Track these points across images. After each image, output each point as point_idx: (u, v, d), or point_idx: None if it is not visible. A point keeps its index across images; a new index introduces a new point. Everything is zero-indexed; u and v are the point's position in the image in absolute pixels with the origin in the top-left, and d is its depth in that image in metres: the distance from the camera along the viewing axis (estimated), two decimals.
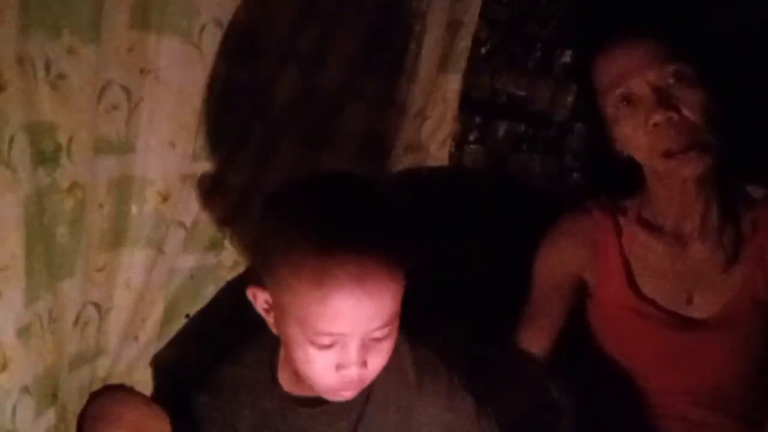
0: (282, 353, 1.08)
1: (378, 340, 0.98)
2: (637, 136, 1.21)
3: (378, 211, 0.99)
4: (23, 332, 0.89)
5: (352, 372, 0.97)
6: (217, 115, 1.10)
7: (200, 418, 1.10)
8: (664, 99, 1.17)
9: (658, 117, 1.17)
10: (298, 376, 1.04)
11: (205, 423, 1.10)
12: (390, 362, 1.02)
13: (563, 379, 1.46)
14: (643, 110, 1.19)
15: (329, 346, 0.96)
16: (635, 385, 1.30)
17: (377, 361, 1.00)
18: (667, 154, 1.18)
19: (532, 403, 1.31)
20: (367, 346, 0.97)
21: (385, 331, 0.97)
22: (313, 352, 0.97)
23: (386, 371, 1.03)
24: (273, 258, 0.97)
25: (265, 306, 1.01)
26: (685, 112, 1.17)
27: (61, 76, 0.89)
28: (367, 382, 1.01)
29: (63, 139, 0.92)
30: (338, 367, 0.97)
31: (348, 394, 1.01)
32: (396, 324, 1.00)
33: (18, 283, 0.88)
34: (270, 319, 1.02)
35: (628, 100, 1.20)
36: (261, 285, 1.00)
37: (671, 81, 1.18)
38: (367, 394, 1.06)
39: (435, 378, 1.09)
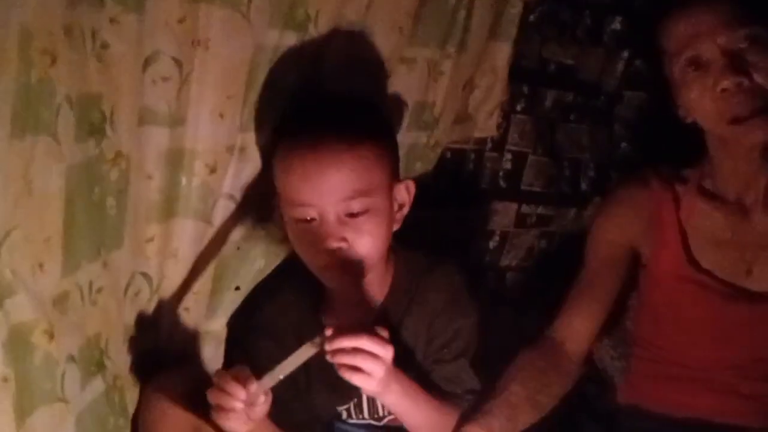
0: (323, 289, 1.13)
1: (354, 215, 1.02)
2: (703, 101, 1.14)
3: (351, 105, 1.08)
4: (59, 302, 0.87)
5: (332, 245, 1.02)
6: (265, 85, 1.06)
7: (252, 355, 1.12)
8: (734, 63, 1.10)
9: (726, 82, 1.10)
10: (339, 309, 1.12)
11: (256, 359, 1.09)
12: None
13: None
14: (712, 75, 1.12)
15: (309, 221, 1.03)
16: (684, 360, 1.24)
17: (360, 239, 1.03)
18: (735, 121, 1.12)
19: None
20: (344, 222, 1.02)
21: (357, 204, 1.02)
22: (298, 228, 1.05)
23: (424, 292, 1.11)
24: (273, 161, 1.06)
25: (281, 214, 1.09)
26: (757, 77, 1.10)
27: (104, 46, 0.86)
28: (356, 261, 1.04)
29: (107, 109, 0.89)
30: (321, 241, 1.02)
31: (339, 276, 1.05)
32: (378, 204, 1.04)
33: (59, 254, 0.85)
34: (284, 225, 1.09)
35: (697, 63, 1.14)
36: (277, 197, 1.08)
37: (743, 45, 1.11)
38: (398, 329, 1.09)
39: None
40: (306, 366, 0.97)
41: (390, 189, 1.08)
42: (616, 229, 1.29)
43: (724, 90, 1.11)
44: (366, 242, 1.04)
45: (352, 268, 1.05)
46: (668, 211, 1.26)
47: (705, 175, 1.26)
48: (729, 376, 1.21)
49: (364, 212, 1.03)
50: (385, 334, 0.96)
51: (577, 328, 1.24)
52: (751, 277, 1.20)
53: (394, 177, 1.10)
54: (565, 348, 1.23)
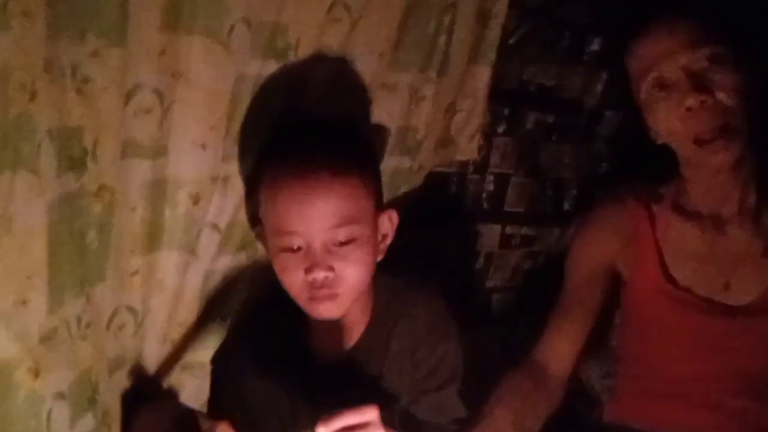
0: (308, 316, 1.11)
1: (342, 244, 1.01)
2: (670, 121, 1.17)
3: (336, 133, 1.08)
4: (47, 339, 0.86)
5: (318, 275, 1.00)
6: (247, 115, 1.05)
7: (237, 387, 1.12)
8: (697, 82, 1.13)
9: (690, 101, 1.13)
10: (322, 337, 1.11)
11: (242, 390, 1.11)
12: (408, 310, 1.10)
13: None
14: (677, 94, 1.15)
15: (295, 250, 1.02)
16: (667, 376, 1.24)
17: (347, 268, 1.03)
18: (698, 141, 1.14)
19: None
20: (332, 251, 1.02)
21: (344, 233, 1.01)
22: (283, 257, 1.03)
23: (403, 324, 1.10)
24: (257, 189, 1.06)
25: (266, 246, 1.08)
26: (719, 95, 1.13)
27: (85, 80, 0.85)
28: (341, 292, 1.03)
29: (89, 143, 0.88)
30: (306, 270, 1.01)
31: (326, 308, 1.04)
32: (363, 233, 1.03)
33: (44, 290, 0.84)
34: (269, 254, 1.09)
35: (662, 84, 1.16)
36: (260, 225, 1.09)
37: (705, 64, 1.14)
38: (382, 356, 1.10)
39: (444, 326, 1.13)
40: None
41: (375, 218, 1.08)
42: (593, 249, 1.31)
43: (688, 108, 1.13)
44: (353, 271, 1.04)
45: (333, 298, 1.04)
46: (644, 229, 1.28)
47: (680, 192, 1.27)
48: (712, 391, 1.21)
49: (351, 241, 1.03)
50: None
51: (559, 349, 1.25)
52: (729, 291, 1.21)
53: (378, 206, 1.10)
54: (549, 369, 1.24)
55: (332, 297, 1.04)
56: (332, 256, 1.02)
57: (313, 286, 1.03)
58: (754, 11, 1.23)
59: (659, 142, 1.23)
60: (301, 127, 1.10)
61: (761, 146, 1.20)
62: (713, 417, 1.21)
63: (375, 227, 1.08)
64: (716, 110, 1.13)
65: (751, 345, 1.19)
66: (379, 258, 1.11)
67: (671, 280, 1.24)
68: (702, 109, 1.13)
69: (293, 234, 1.02)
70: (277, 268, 1.06)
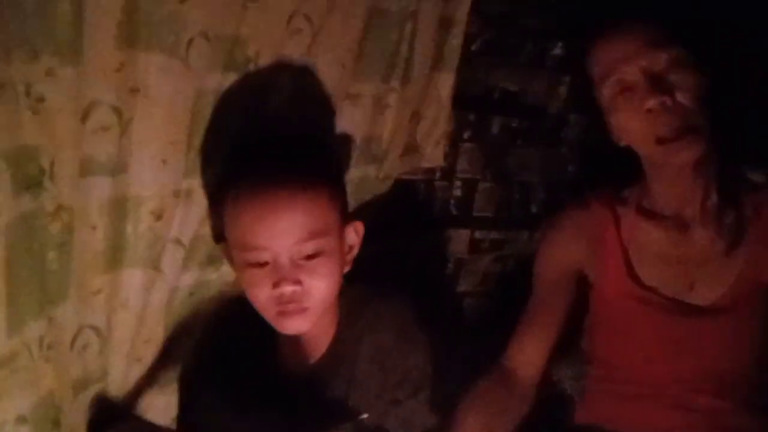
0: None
1: (309, 258, 1.01)
2: (632, 123, 1.17)
3: (300, 146, 1.08)
4: (7, 362, 0.84)
5: (286, 290, 1.00)
6: (208, 129, 1.04)
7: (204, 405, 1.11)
8: (657, 84, 1.14)
9: (651, 102, 1.14)
10: (290, 349, 1.10)
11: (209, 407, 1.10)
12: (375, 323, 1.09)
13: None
14: (638, 96, 1.16)
15: (262, 265, 1.01)
16: (636, 377, 1.25)
17: (313, 282, 1.02)
18: (660, 141, 1.15)
19: None
20: (298, 265, 1.01)
21: (311, 246, 1.01)
22: (250, 272, 1.02)
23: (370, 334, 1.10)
24: (222, 205, 1.05)
25: (231, 262, 1.07)
26: (679, 96, 1.14)
27: (40, 99, 0.83)
28: (309, 306, 1.03)
29: (45, 162, 0.86)
30: (274, 285, 1.01)
31: (294, 322, 1.04)
32: (330, 246, 1.03)
33: (2, 313, 0.83)
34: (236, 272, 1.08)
35: (623, 87, 1.17)
36: (225, 241, 1.08)
37: (664, 66, 1.15)
38: (351, 367, 1.09)
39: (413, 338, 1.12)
40: None
41: (341, 230, 1.08)
42: (560, 254, 1.32)
43: (649, 110, 1.14)
44: (320, 284, 1.03)
45: (301, 311, 1.03)
46: (610, 231, 1.28)
47: (644, 194, 1.28)
48: (680, 391, 1.22)
49: (318, 254, 1.02)
50: None
51: (529, 354, 1.25)
52: (694, 291, 1.22)
53: (344, 218, 1.09)
54: (519, 374, 1.25)
55: (300, 311, 1.03)
56: (299, 270, 1.02)
57: (280, 300, 1.02)
58: (712, 13, 1.24)
59: (622, 144, 1.24)
60: (265, 141, 1.09)
61: (722, 147, 1.21)
62: (683, 417, 1.22)
63: (341, 239, 1.08)
64: (676, 111, 1.14)
65: (717, 344, 1.20)
66: (346, 270, 1.10)
67: (637, 281, 1.25)
68: (662, 109, 1.14)
69: (259, 249, 1.01)
70: (244, 283, 1.05)
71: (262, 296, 1.03)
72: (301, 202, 1.01)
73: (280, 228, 1.00)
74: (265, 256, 1.01)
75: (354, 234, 1.11)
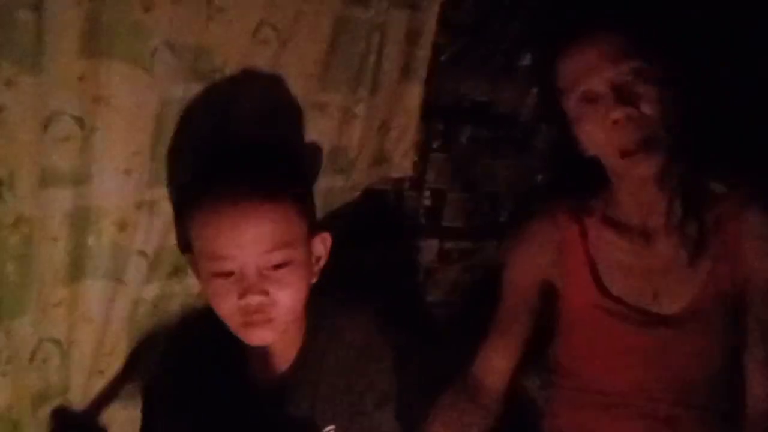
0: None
1: (276, 268, 1.00)
2: (598, 134, 1.18)
3: (268, 156, 1.07)
4: None
5: (253, 300, 0.99)
6: (173, 139, 1.04)
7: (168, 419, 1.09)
8: (623, 95, 1.14)
9: (617, 113, 1.14)
10: (257, 361, 1.09)
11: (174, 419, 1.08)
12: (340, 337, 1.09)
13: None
14: (603, 107, 1.16)
15: (228, 275, 1.00)
16: (602, 387, 1.26)
17: (280, 292, 1.01)
18: (623, 154, 1.16)
19: None
20: (265, 275, 1.00)
21: (278, 256, 1.00)
22: (216, 282, 1.01)
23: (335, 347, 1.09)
24: (187, 215, 1.04)
25: (197, 273, 1.06)
26: (644, 108, 1.15)
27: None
28: (275, 317, 1.02)
29: (4, 173, 0.86)
30: (240, 295, 1.00)
31: (260, 333, 1.03)
32: (297, 256, 1.02)
33: None
34: (201, 284, 1.07)
35: (589, 98, 1.18)
36: (190, 252, 1.06)
37: (629, 78, 1.16)
38: (317, 378, 1.09)
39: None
40: None
41: (309, 241, 1.07)
42: (526, 264, 1.32)
43: (615, 121, 1.15)
44: (287, 295, 1.03)
45: (268, 322, 1.03)
46: (576, 242, 1.29)
47: (609, 204, 1.29)
48: (645, 401, 1.23)
49: (286, 264, 1.02)
50: None
51: (496, 364, 1.26)
52: (658, 301, 1.23)
53: (312, 228, 1.09)
54: (486, 385, 1.25)
55: (267, 322, 1.02)
56: (266, 281, 1.01)
57: (246, 311, 1.01)
58: (676, 26, 1.26)
59: (589, 154, 1.24)
60: (232, 150, 1.09)
61: (686, 158, 1.22)
62: (648, 426, 1.22)
63: (309, 250, 1.07)
64: (640, 122, 1.14)
65: (682, 353, 1.21)
66: (313, 281, 1.09)
67: (604, 291, 1.26)
68: (628, 121, 1.14)
69: (226, 258, 1.00)
70: (210, 293, 1.04)
71: (227, 307, 1.02)
72: (268, 212, 1.00)
73: (247, 237, 0.99)
74: (231, 266, 1.00)
75: (321, 245, 1.10)
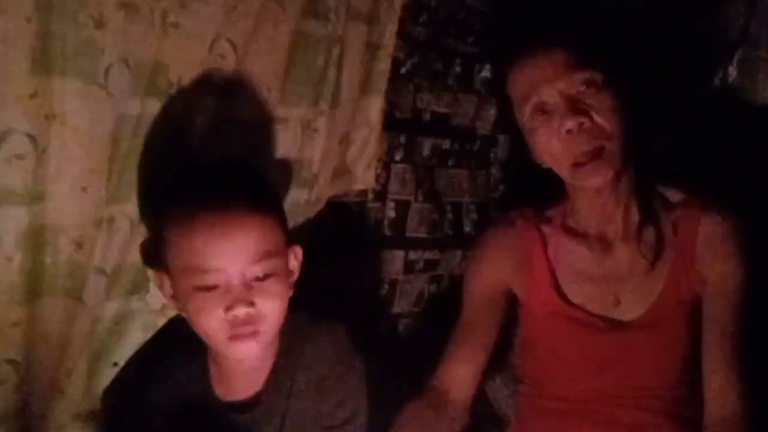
0: (210, 360, 1.09)
1: (260, 279, 1.00)
2: (552, 144, 1.19)
3: (240, 171, 1.07)
4: None
5: (240, 312, 0.98)
6: (130, 155, 1.02)
7: None
8: (575, 106, 1.16)
9: (570, 123, 1.15)
10: (228, 381, 1.08)
11: None
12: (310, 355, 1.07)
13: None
14: (557, 118, 1.17)
15: (213, 288, 0.99)
16: (564, 394, 1.26)
17: (266, 303, 1.01)
18: (575, 164, 1.17)
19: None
20: (251, 286, 1.00)
21: (264, 267, 1.00)
22: (200, 297, 0.99)
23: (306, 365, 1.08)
24: (162, 231, 1.02)
25: (170, 290, 1.04)
26: (596, 118, 1.16)
27: None
28: (261, 327, 1.01)
29: None
30: (226, 309, 0.99)
31: (248, 346, 1.01)
32: (279, 267, 1.03)
33: None
34: (174, 301, 1.05)
35: (542, 109, 1.19)
36: (160, 269, 1.04)
37: (581, 89, 1.17)
38: (288, 395, 1.08)
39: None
40: None
41: (287, 253, 1.07)
42: (486, 273, 1.32)
43: (568, 131, 1.16)
44: (272, 306, 1.02)
45: (255, 335, 1.01)
46: (536, 250, 1.30)
47: (568, 213, 1.30)
48: (609, 407, 1.23)
49: (269, 276, 1.01)
50: None
51: (459, 374, 1.25)
52: (619, 307, 1.24)
53: (288, 241, 1.08)
54: (450, 395, 1.24)
55: (254, 334, 1.01)
56: (251, 292, 1.00)
57: (233, 323, 1.00)
58: (627, 36, 1.27)
59: (544, 166, 1.25)
60: (200, 166, 1.07)
61: (640, 166, 1.23)
62: None
63: (287, 262, 1.07)
64: (593, 132, 1.15)
65: (642, 359, 1.22)
66: (290, 294, 1.08)
67: (564, 299, 1.27)
68: (581, 131, 1.15)
69: (211, 271, 0.99)
70: (192, 309, 1.01)
71: (212, 321, 1.00)
72: (252, 223, 1.00)
73: (232, 249, 0.98)
74: (216, 279, 0.99)
75: (294, 258, 1.10)
